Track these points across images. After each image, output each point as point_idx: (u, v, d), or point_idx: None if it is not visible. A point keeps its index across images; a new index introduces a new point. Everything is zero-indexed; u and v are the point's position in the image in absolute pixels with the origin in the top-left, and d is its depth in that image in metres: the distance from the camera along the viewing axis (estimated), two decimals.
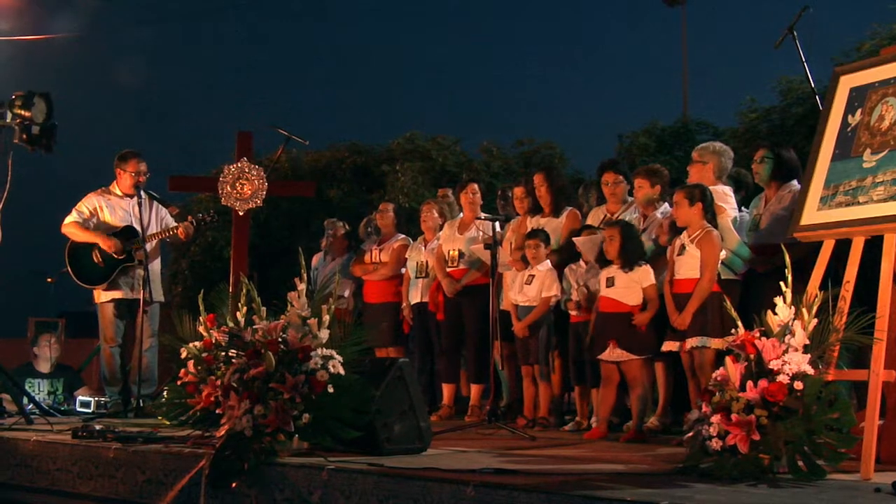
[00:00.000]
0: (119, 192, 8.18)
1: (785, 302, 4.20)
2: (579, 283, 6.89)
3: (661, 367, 6.50)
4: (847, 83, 4.94)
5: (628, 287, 6.31)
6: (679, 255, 6.10)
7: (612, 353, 6.27)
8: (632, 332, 6.24)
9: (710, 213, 6.09)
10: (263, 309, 5.00)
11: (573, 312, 6.91)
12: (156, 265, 8.17)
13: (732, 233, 6.26)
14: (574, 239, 7.06)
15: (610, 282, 6.39)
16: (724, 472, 3.92)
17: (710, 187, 6.26)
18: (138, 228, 7.89)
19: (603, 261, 6.52)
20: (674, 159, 15.65)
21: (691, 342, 5.91)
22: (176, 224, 8.14)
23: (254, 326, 4.92)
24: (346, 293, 9.02)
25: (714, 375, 4.24)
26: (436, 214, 8.52)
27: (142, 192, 7.93)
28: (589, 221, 7.28)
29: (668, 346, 6.08)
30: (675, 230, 6.28)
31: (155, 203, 8.17)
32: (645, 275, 6.33)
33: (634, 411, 6.27)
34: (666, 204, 6.87)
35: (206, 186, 9.62)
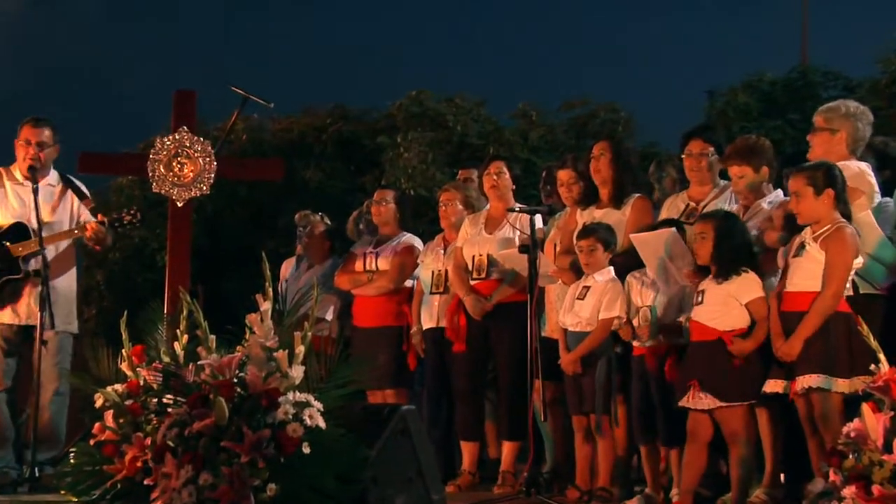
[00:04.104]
0: (19, 176, 8.17)
1: None
2: (642, 300, 6.87)
3: (766, 415, 6.45)
4: None
5: (723, 305, 6.28)
6: (795, 256, 6.06)
7: (696, 400, 6.24)
8: (726, 368, 6.21)
9: (844, 201, 6.05)
10: (212, 337, 4.99)
11: (636, 343, 6.89)
12: (66, 280, 8.10)
13: (873, 228, 6.21)
14: (632, 235, 7.02)
15: (699, 297, 6.37)
16: None
17: (841, 164, 6.21)
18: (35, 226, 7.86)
19: (701, 270, 6.49)
20: (787, 125, 15.60)
21: (805, 381, 5.87)
22: (82, 223, 8.08)
23: (199, 362, 4.91)
24: (329, 314, 9.00)
25: (845, 430, 4.20)
26: (460, 206, 8.50)
27: (36, 174, 7.89)
28: (664, 214, 7.23)
29: (772, 385, 6.05)
30: (793, 227, 6.24)
31: (69, 192, 8.15)
32: (747, 286, 6.29)
33: (735, 480, 6.24)
34: (778, 192, 6.83)
35: (131, 166, 9.62)
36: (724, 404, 6.20)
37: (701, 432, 6.31)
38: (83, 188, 8.20)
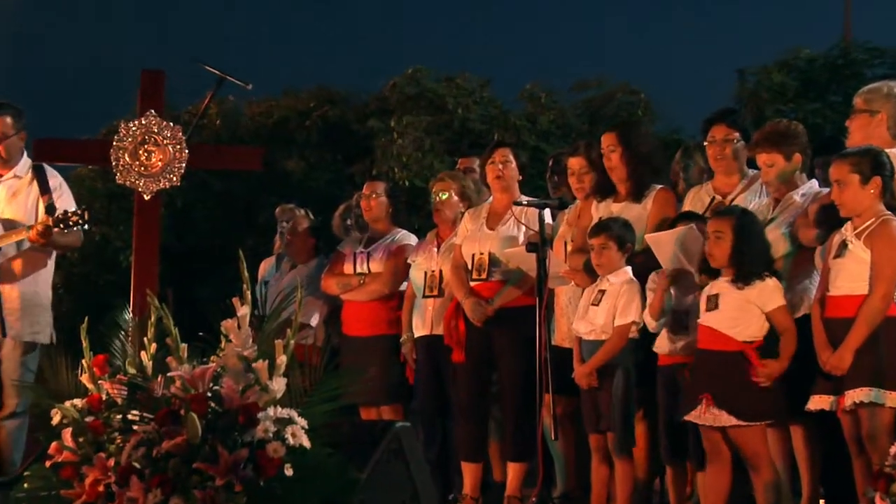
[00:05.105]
0: None
1: None
2: (671, 302, 6.87)
3: (802, 433, 6.48)
4: None
5: (742, 312, 6.31)
6: (837, 257, 6.07)
7: (707, 415, 6.27)
8: (746, 383, 6.23)
9: (891, 191, 6.06)
10: (184, 346, 4.99)
11: (662, 352, 6.89)
12: (32, 284, 8.07)
13: None
14: (647, 236, 7.03)
15: (712, 303, 6.38)
16: None
17: (888, 151, 6.22)
18: None
19: (705, 271, 6.50)
20: (827, 107, 15.62)
21: (854, 396, 5.89)
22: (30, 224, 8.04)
23: (168, 374, 4.91)
24: (314, 320, 9.01)
25: (893, 450, 4.22)
26: (455, 197, 8.50)
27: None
28: (687, 206, 7.25)
29: (818, 402, 6.06)
30: (828, 222, 6.25)
31: (34, 185, 8.13)
32: (770, 293, 6.31)
33: None
34: (812, 183, 6.84)
35: (92, 155, 9.61)
36: (742, 423, 6.23)
37: (721, 451, 6.33)
38: (52, 182, 8.15)
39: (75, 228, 7.88)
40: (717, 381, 6.28)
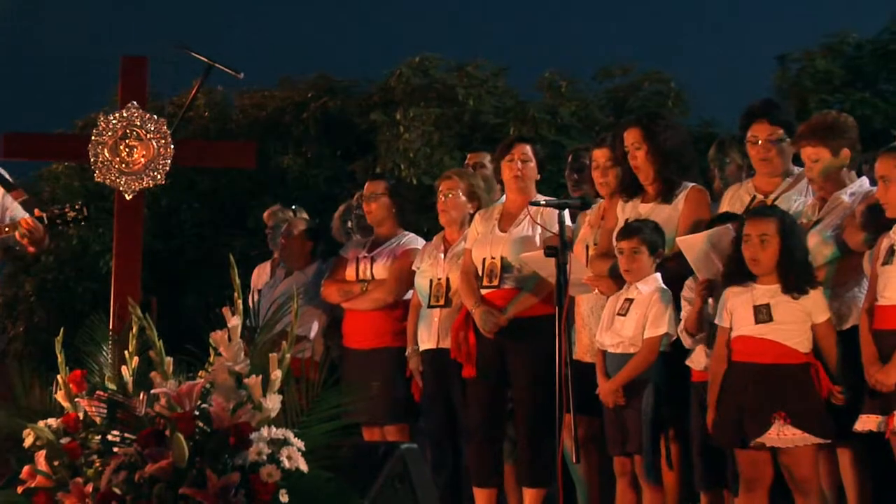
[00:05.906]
0: None
1: None
2: (706, 310, 6.86)
3: (849, 456, 6.48)
4: None
5: (797, 323, 6.32)
6: (885, 263, 6.07)
7: (782, 434, 6.25)
8: (814, 399, 6.24)
9: None
10: (169, 360, 5.00)
11: (697, 367, 6.89)
12: None
13: None
14: (678, 239, 7.01)
15: (762, 312, 6.37)
16: None
17: None
18: None
19: (734, 276, 6.50)
20: (877, 97, 15.60)
21: None
22: (14, 220, 8.09)
23: (152, 390, 4.92)
24: (312, 332, 9.01)
25: None
26: (463, 197, 8.50)
27: None
28: (725, 206, 7.23)
29: (865, 422, 6.07)
30: (877, 224, 6.25)
31: None
32: (821, 304, 6.34)
33: None
34: (862, 181, 6.83)
35: (68, 150, 9.61)
36: (821, 440, 6.23)
37: (766, 476, 6.34)
38: (6, 175, 8.19)
39: (72, 224, 7.91)
40: (788, 397, 6.26)
